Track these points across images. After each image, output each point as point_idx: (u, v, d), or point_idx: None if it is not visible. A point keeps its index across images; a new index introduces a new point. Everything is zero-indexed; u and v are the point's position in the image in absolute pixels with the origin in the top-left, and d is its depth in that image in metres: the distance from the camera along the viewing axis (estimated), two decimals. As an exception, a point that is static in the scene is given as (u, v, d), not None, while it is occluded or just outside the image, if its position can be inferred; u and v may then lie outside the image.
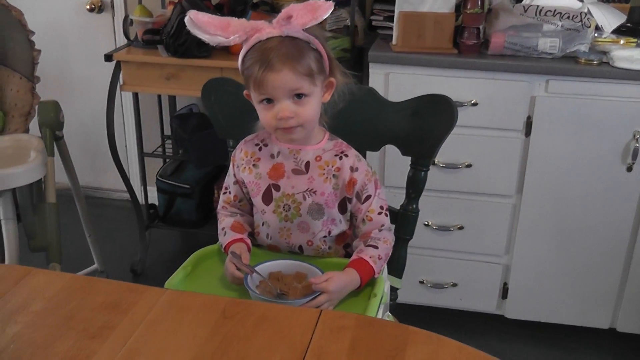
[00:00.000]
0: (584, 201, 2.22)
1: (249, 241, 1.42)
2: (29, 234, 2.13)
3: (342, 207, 1.40)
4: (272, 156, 1.39)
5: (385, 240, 1.40)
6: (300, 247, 1.42)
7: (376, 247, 1.37)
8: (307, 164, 1.37)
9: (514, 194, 2.27)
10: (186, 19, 1.26)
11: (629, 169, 2.14)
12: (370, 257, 1.35)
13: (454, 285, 2.43)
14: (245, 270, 1.29)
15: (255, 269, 1.31)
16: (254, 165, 1.40)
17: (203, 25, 1.26)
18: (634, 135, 2.10)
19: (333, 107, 1.39)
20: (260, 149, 1.41)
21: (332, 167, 1.37)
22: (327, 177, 1.36)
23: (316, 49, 1.29)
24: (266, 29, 1.26)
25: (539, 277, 2.35)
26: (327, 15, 1.25)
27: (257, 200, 1.40)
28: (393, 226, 1.52)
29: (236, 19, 1.28)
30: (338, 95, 1.38)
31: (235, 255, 1.32)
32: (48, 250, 2.13)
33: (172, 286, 1.33)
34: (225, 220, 1.46)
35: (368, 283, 1.34)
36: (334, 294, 1.27)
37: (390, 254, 1.42)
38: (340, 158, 1.37)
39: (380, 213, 1.40)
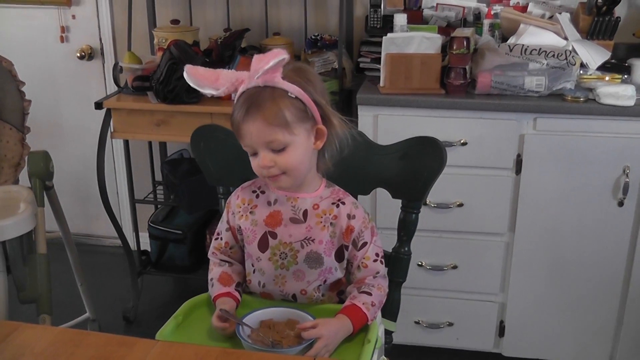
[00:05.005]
0: (577, 237, 2.22)
1: (236, 294, 1.40)
2: (19, 286, 2.09)
3: (339, 255, 1.39)
4: (269, 203, 1.39)
5: (380, 287, 1.39)
6: (294, 296, 1.40)
7: (370, 294, 1.36)
8: (305, 213, 1.36)
9: (507, 232, 2.27)
10: (184, 73, 1.28)
11: (620, 203, 2.15)
12: (363, 304, 1.33)
13: (450, 324, 2.41)
14: (235, 321, 1.28)
15: (247, 317, 1.29)
16: (250, 212, 1.39)
17: (196, 78, 1.28)
18: (624, 170, 2.11)
19: (338, 155, 1.38)
20: (257, 196, 1.41)
21: (330, 215, 1.36)
22: (324, 226, 1.36)
23: (296, 97, 1.27)
24: (248, 79, 1.27)
25: (536, 313, 2.33)
26: (274, 63, 1.21)
27: (253, 247, 1.39)
28: (386, 269, 1.51)
29: (225, 70, 1.29)
30: (339, 142, 1.36)
31: (224, 311, 1.31)
32: (38, 301, 2.10)
33: (163, 337, 1.31)
34: (214, 270, 1.45)
35: (362, 328, 1.33)
36: (329, 338, 1.25)
37: (384, 302, 1.41)
38: (337, 206, 1.37)
39: (375, 260, 1.40)
